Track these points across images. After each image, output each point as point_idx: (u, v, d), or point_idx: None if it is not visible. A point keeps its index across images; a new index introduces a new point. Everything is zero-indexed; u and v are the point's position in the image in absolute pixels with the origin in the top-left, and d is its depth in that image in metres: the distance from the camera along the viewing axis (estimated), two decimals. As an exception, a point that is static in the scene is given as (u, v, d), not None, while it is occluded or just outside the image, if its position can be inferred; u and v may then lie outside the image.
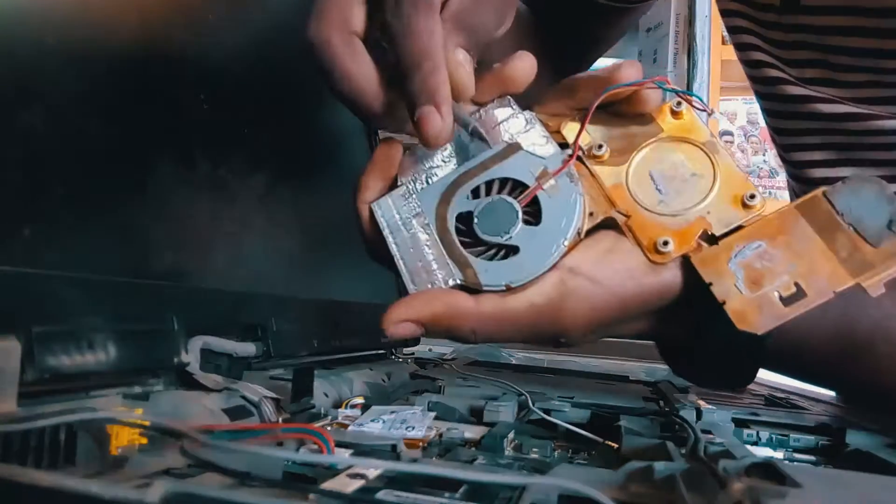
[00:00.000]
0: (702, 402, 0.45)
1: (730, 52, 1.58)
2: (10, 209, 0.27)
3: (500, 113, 0.37)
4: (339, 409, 0.39)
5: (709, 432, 0.37)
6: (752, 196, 0.33)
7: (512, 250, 0.34)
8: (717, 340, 0.34)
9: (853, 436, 0.39)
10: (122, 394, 0.31)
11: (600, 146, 0.36)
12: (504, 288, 0.33)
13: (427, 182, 0.36)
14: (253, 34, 0.52)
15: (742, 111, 1.77)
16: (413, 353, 0.74)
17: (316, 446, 0.27)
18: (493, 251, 0.34)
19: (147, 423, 0.25)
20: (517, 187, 0.35)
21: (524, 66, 0.35)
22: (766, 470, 0.26)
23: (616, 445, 0.36)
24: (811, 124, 0.54)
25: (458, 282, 0.34)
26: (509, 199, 0.35)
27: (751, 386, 0.74)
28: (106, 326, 0.29)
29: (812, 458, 0.40)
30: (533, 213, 0.35)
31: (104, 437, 0.25)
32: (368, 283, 0.69)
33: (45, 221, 0.28)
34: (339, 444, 0.29)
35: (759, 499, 0.20)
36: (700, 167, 0.35)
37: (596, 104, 0.35)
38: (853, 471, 0.27)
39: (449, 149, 0.37)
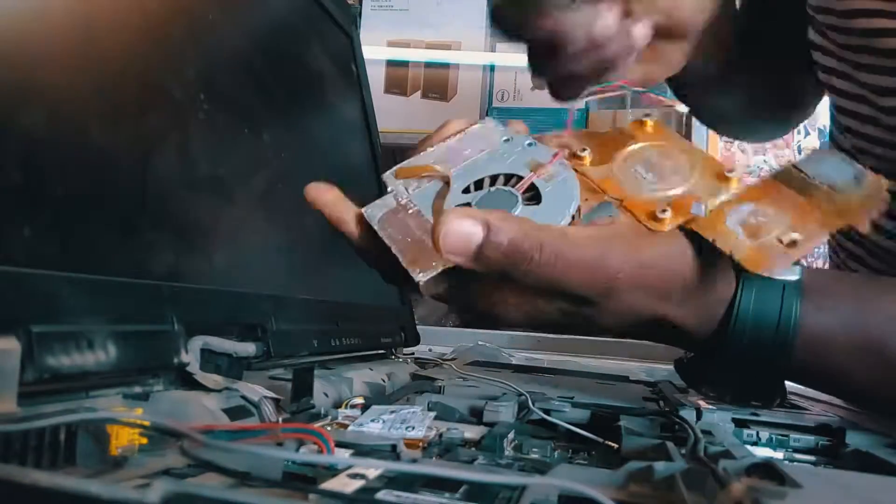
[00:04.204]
0: (702, 403, 0.45)
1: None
2: (10, 209, 0.27)
3: (485, 131, 0.39)
4: (339, 409, 0.39)
5: (709, 432, 0.37)
6: (731, 170, 0.36)
7: None
8: (739, 338, 0.35)
9: (853, 436, 0.39)
10: (122, 394, 0.31)
11: (583, 149, 0.38)
12: None
13: (418, 186, 0.37)
14: (253, 34, 0.52)
15: (742, 111, 1.77)
16: (413, 353, 0.74)
17: (316, 446, 0.26)
18: None
19: (147, 423, 0.25)
20: (510, 182, 0.36)
21: None
22: (766, 470, 0.26)
23: (616, 445, 0.36)
24: None
25: None
26: (506, 188, 0.36)
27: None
28: (106, 326, 0.29)
29: (812, 458, 0.40)
30: (532, 200, 0.36)
31: (104, 437, 0.25)
32: (368, 283, 0.69)
33: (45, 221, 0.28)
34: (339, 444, 0.29)
35: (759, 499, 0.20)
36: (677, 161, 0.38)
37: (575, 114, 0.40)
38: (853, 471, 0.27)
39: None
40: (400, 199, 0.36)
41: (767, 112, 0.62)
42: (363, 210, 0.36)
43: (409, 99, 1.52)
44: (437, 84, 1.51)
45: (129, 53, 0.37)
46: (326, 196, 0.37)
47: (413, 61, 1.51)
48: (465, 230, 0.31)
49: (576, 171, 0.37)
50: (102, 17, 0.35)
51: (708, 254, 0.35)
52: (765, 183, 0.36)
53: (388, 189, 0.37)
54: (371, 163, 0.76)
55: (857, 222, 0.34)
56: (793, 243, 0.33)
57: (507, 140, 0.39)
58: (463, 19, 1.48)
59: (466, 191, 0.36)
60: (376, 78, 1.49)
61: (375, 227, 0.35)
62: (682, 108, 0.38)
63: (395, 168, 0.38)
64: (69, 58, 0.32)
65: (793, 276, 0.35)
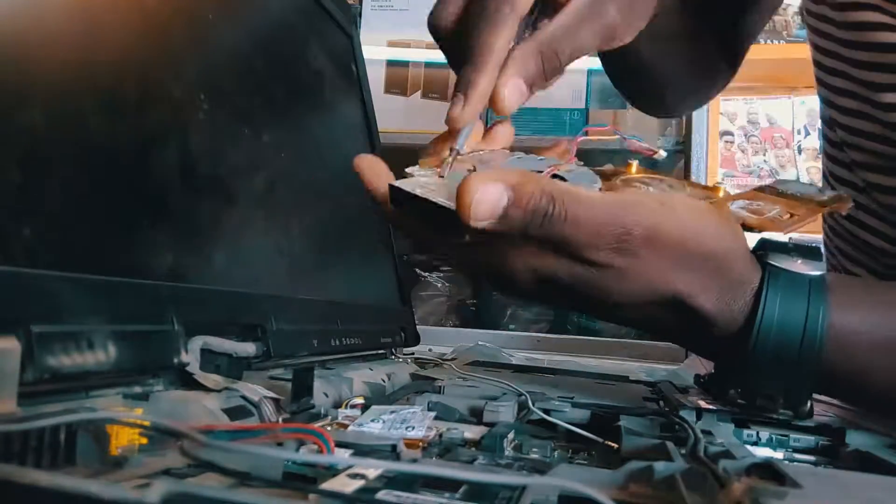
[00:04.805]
0: (702, 403, 0.45)
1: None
2: (10, 209, 0.27)
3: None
4: (339, 409, 0.39)
5: (709, 432, 0.37)
6: (719, 182, 0.41)
7: None
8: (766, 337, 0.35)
9: (853, 436, 0.39)
10: (122, 394, 0.31)
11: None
12: None
13: (445, 172, 0.38)
14: (253, 34, 0.52)
15: (742, 111, 1.77)
16: (413, 353, 0.74)
17: (316, 446, 0.27)
18: None
19: (147, 423, 0.25)
20: None
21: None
22: (766, 470, 0.26)
23: (616, 445, 0.36)
24: None
25: None
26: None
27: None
28: (106, 326, 0.29)
29: (812, 458, 0.40)
30: None
31: (104, 437, 0.25)
32: (368, 283, 0.69)
33: (45, 221, 0.28)
34: (339, 444, 0.29)
35: (759, 499, 0.20)
36: (671, 184, 0.41)
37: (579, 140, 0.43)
38: (853, 471, 0.27)
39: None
40: (431, 178, 0.37)
41: (705, 69, 0.62)
42: (393, 182, 0.37)
43: (410, 99, 1.52)
44: (437, 84, 1.51)
45: (129, 53, 0.37)
46: (364, 161, 0.38)
47: (413, 61, 1.51)
48: (492, 198, 0.33)
49: None
50: (102, 17, 0.35)
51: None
52: (751, 194, 0.41)
53: (413, 172, 0.38)
54: (371, 163, 0.76)
55: (838, 210, 0.40)
56: (789, 220, 0.38)
57: (520, 158, 0.41)
58: (463, 19, 1.48)
59: None
60: (376, 78, 1.48)
61: (411, 191, 0.36)
62: (663, 154, 0.42)
63: (419, 164, 0.39)
64: (69, 57, 0.32)
65: (817, 271, 0.36)
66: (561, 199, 0.33)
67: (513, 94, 0.38)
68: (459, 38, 0.39)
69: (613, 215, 0.33)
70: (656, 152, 0.44)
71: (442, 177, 0.37)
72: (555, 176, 0.37)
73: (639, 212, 0.34)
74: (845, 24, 0.49)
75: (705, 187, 0.41)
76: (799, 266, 0.36)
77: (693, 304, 0.35)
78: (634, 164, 0.42)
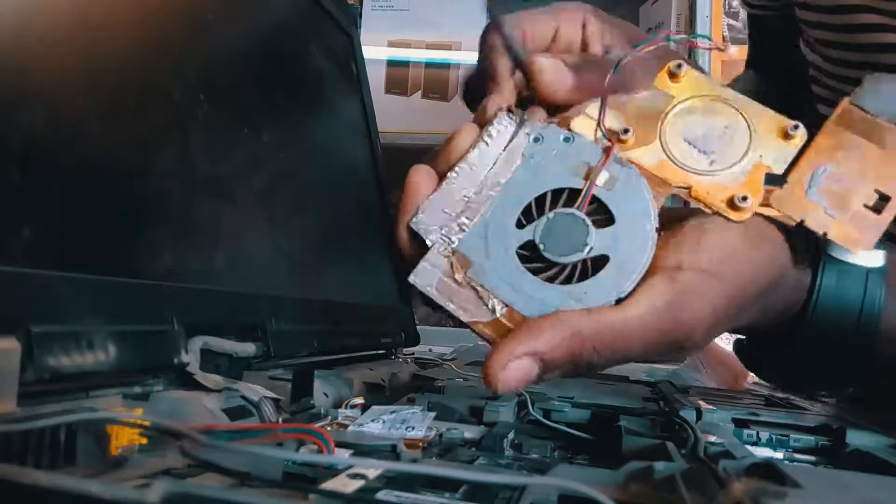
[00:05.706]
0: (702, 403, 0.45)
1: (730, 53, 1.57)
2: (10, 209, 0.27)
3: (504, 131, 0.34)
4: (339, 409, 0.39)
5: (709, 432, 0.37)
6: (796, 126, 0.32)
7: (599, 261, 0.31)
8: (826, 319, 0.33)
9: (853, 436, 0.39)
10: (122, 394, 0.31)
11: (626, 130, 0.33)
12: (614, 301, 0.30)
13: (462, 230, 0.32)
14: (253, 34, 0.52)
15: (742, 111, 1.76)
16: (413, 353, 0.74)
17: (316, 446, 0.27)
18: (576, 271, 0.31)
19: (147, 423, 0.25)
20: (559, 197, 0.32)
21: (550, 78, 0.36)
22: (766, 470, 0.26)
23: (616, 445, 0.36)
24: None
25: None
26: (568, 211, 0.31)
27: (751, 387, 0.74)
28: (106, 326, 0.29)
29: (812, 458, 0.40)
30: (600, 215, 0.32)
31: (104, 437, 0.25)
32: (368, 283, 0.69)
33: (44, 221, 0.28)
34: (339, 444, 0.29)
35: (759, 499, 0.20)
36: (727, 118, 0.33)
37: (611, 75, 0.33)
38: (853, 471, 0.27)
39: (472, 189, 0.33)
40: (445, 253, 0.32)
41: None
42: (410, 279, 0.32)
43: (410, 99, 1.52)
44: (437, 84, 1.51)
45: (128, 53, 0.37)
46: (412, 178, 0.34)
47: (414, 61, 1.51)
48: (519, 374, 0.29)
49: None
50: (102, 17, 0.35)
51: (787, 240, 0.32)
52: (828, 132, 0.32)
53: (427, 241, 0.32)
54: (371, 163, 0.76)
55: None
56: (878, 204, 0.30)
57: (538, 140, 0.33)
58: (463, 19, 1.48)
59: (520, 224, 0.32)
60: (377, 78, 1.49)
61: (439, 301, 0.32)
62: (733, 49, 0.32)
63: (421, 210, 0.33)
64: (69, 57, 0.32)
65: (878, 262, 0.33)
66: (606, 341, 0.30)
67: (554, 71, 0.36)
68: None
69: (661, 332, 0.30)
70: (723, 48, 0.35)
71: (461, 281, 0.32)
72: (595, 199, 0.31)
73: (695, 309, 0.30)
74: (853, 45, 0.48)
75: (781, 125, 0.32)
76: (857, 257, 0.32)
77: (746, 326, 0.35)
78: (683, 72, 0.34)
